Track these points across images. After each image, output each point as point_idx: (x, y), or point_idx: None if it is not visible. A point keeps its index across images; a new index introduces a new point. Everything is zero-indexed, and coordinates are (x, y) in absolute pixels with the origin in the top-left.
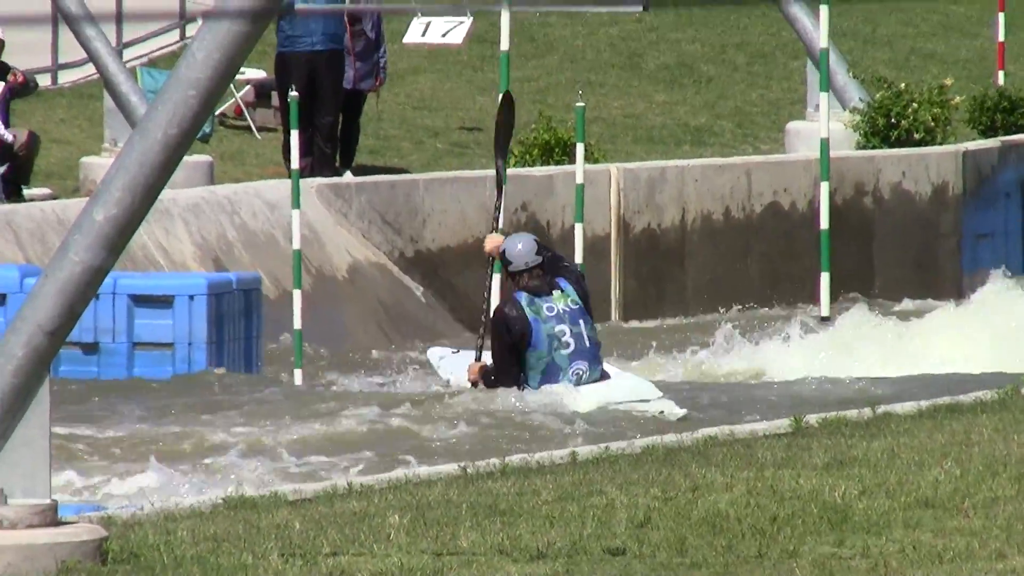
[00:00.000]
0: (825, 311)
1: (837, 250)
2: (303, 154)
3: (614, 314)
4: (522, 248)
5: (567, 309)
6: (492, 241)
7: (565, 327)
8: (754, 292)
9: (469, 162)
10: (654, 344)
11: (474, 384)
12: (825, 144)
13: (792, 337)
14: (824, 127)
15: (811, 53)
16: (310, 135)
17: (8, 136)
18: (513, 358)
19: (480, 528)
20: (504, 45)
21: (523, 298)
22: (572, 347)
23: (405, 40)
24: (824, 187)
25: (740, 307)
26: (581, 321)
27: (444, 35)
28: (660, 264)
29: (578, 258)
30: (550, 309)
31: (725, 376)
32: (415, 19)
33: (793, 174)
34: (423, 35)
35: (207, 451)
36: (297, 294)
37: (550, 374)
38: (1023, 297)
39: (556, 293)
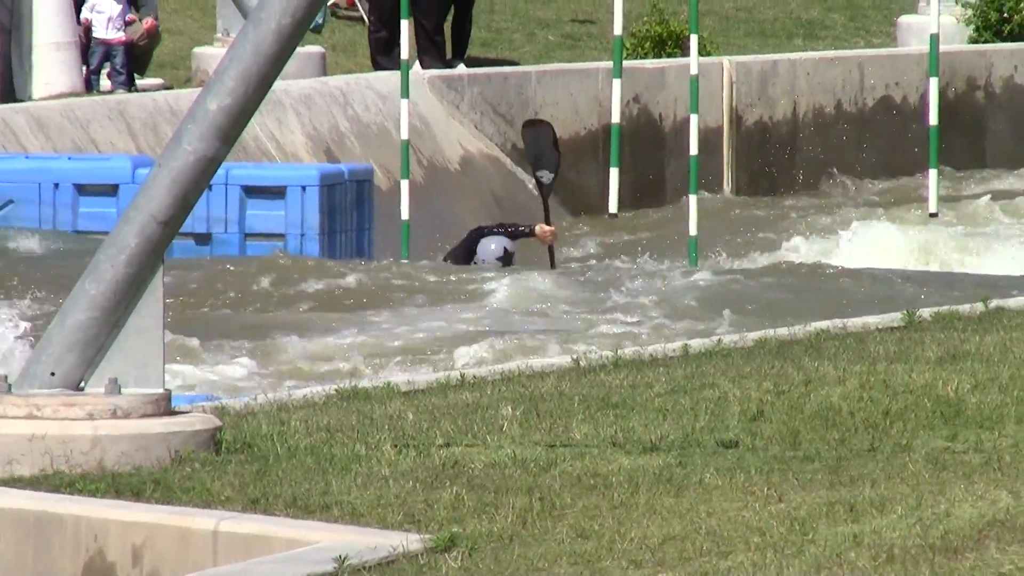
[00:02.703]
0: (933, 207)
1: (949, 144)
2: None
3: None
4: (482, 248)
5: None
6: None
7: None
8: (865, 186)
9: (581, 54)
10: (764, 235)
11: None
12: (935, 39)
13: (902, 231)
14: (935, 21)
15: None
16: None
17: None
18: None
19: (593, 420)
20: None
21: None
22: None
23: None
24: (933, 82)
25: (851, 201)
26: None
27: None
28: (772, 156)
29: (693, 149)
30: None
31: (836, 269)
32: None
33: (905, 68)
34: None
35: (318, 341)
36: (405, 184)
37: None
38: None
39: None
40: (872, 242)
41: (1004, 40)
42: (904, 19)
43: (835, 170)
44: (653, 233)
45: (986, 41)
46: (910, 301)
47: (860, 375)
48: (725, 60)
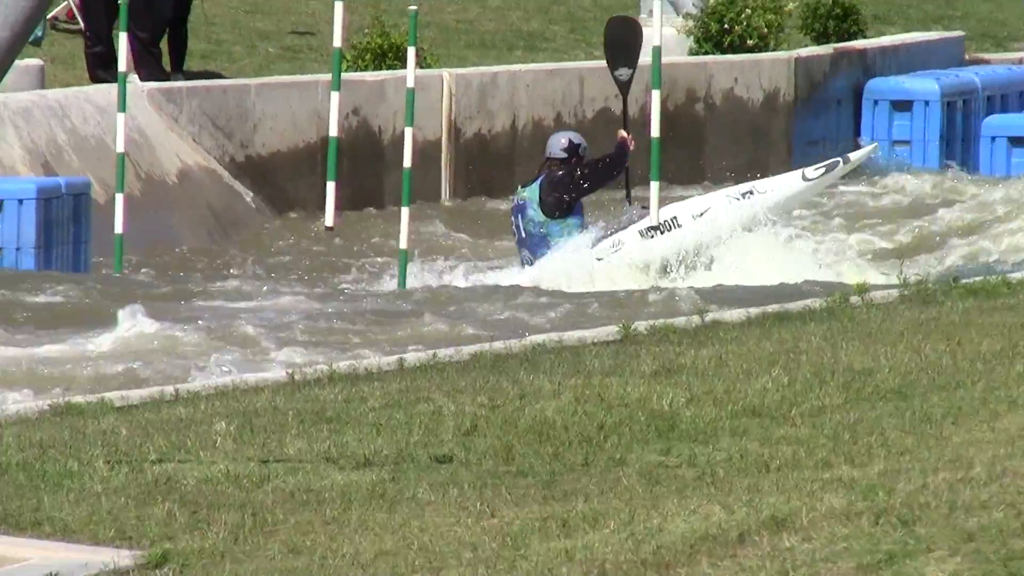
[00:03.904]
0: (654, 220)
1: (669, 156)
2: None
3: (444, 218)
4: (551, 140)
5: (517, 202)
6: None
7: (512, 219)
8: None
9: (301, 67)
10: (489, 251)
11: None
12: (657, 51)
13: (622, 244)
14: (657, 33)
15: None
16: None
17: None
18: None
19: (307, 435)
20: None
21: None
22: (515, 236)
23: None
24: (656, 94)
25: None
26: (520, 215)
27: None
28: (490, 169)
29: (407, 163)
30: (512, 200)
31: (557, 283)
32: None
33: None
34: None
35: (33, 355)
36: (120, 198)
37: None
38: None
39: (524, 188)
40: (592, 256)
41: (725, 52)
42: None
43: None
44: (368, 246)
45: (707, 53)
46: (627, 314)
47: (575, 389)
48: (445, 72)
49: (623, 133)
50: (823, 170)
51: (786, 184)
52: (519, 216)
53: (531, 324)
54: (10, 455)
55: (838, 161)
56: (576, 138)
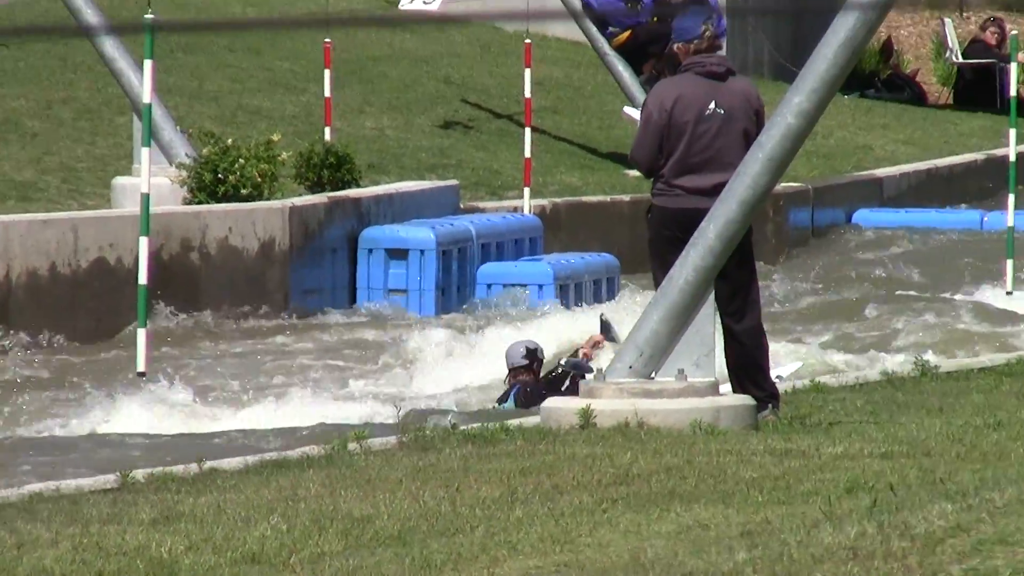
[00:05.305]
0: (142, 367)
1: (163, 306)
2: None
3: None
4: (509, 352)
5: None
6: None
7: None
8: (76, 350)
9: None
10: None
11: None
12: (146, 199)
13: (116, 393)
14: (145, 182)
15: (136, 108)
16: None
17: None
18: None
19: None
20: None
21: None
22: None
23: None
24: (144, 242)
25: (57, 367)
26: None
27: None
28: None
29: None
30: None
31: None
32: None
33: (120, 229)
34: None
35: None
36: None
37: None
38: None
39: (500, 406)
40: (87, 407)
41: (220, 201)
42: (119, 181)
43: (48, 335)
44: None
45: (200, 202)
46: (125, 463)
47: (73, 537)
48: None
49: (585, 349)
50: None
51: None
52: None
53: (24, 471)
54: None
55: None
56: (531, 344)
